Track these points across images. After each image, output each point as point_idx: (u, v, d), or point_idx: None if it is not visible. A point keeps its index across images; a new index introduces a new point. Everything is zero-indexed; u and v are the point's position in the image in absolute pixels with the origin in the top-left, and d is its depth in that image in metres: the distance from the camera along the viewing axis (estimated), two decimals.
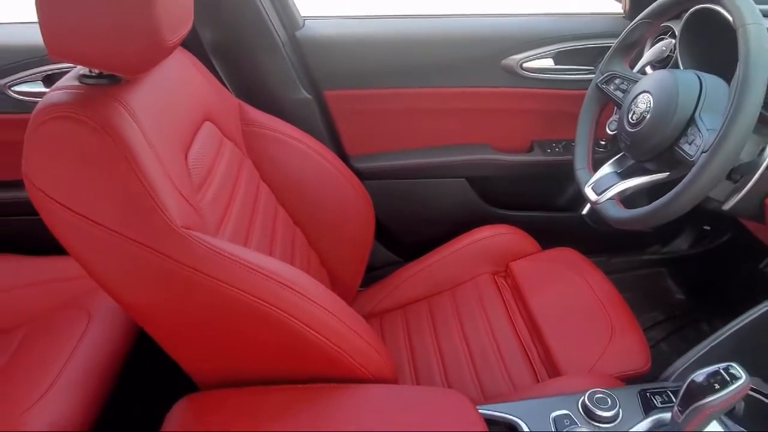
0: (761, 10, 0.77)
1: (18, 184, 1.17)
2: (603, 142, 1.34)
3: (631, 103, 0.91)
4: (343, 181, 1.10)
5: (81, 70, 0.66)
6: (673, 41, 1.03)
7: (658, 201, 0.80)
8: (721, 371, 0.61)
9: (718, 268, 1.47)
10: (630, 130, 0.89)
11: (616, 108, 1.03)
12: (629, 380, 0.88)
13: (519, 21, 1.29)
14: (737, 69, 0.74)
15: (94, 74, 0.64)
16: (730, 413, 0.76)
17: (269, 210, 0.99)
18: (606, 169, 0.97)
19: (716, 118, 0.77)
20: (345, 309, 0.75)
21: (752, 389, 0.77)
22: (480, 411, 0.71)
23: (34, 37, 1.07)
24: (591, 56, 1.25)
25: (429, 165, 1.33)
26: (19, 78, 1.09)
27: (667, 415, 0.69)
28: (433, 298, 1.15)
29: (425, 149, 1.33)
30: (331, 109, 1.25)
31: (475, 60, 1.24)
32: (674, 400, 0.66)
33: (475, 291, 1.13)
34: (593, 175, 0.99)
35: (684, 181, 0.76)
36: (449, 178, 1.36)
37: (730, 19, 0.78)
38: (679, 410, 0.63)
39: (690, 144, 0.79)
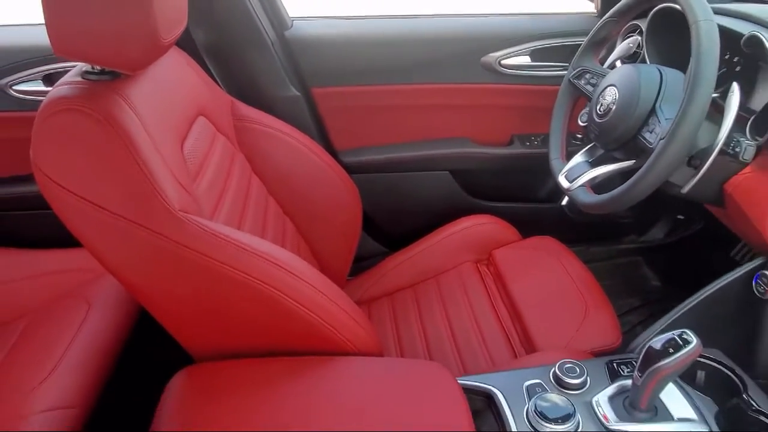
0: (714, 8, 0.83)
1: (19, 180, 1.21)
2: (579, 136, 1.39)
3: (599, 96, 0.96)
4: (331, 174, 1.13)
5: (84, 67, 0.70)
6: (640, 38, 1.09)
7: (622, 186, 0.86)
8: (676, 337, 0.66)
9: (691, 256, 1.53)
10: (598, 121, 0.94)
11: (587, 101, 1.08)
12: (601, 355, 0.91)
13: (498, 20, 1.34)
14: (690, 62, 0.79)
15: (96, 71, 0.69)
16: (692, 382, 0.82)
17: (260, 201, 1.02)
18: (578, 158, 1.03)
19: (674, 108, 0.81)
20: (333, 288, 0.79)
21: (712, 359, 0.82)
22: (459, 381, 0.76)
23: (33, 38, 1.12)
24: (565, 53, 1.30)
25: (414, 158, 1.38)
26: (19, 77, 1.12)
27: (630, 381, 0.74)
28: (418, 286, 1.19)
29: (410, 143, 1.37)
30: (319, 105, 1.29)
31: (457, 58, 1.28)
32: None
33: (458, 278, 1.17)
34: (566, 164, 1.04)
35: (644, 166, 0.82)
36: (433, 171, 1.41)
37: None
38: (639, 374, 0.68)
39: (651, 132, 0.85)
